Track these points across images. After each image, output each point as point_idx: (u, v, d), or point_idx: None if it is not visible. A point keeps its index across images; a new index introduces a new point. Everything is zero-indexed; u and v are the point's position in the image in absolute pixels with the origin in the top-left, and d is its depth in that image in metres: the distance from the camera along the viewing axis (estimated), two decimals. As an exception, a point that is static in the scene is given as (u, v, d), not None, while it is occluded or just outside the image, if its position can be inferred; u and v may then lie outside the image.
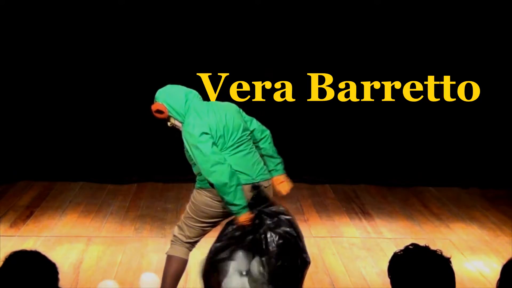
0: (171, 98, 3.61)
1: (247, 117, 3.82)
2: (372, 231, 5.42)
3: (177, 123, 3.62)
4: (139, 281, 4.23)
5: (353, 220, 5.67)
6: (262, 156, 3.76)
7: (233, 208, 3.43)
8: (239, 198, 3.41)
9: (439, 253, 2.26)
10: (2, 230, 5.14)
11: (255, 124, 3.81)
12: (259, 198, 3.44)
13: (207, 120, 3.53)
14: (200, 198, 3.59)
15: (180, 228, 3.70)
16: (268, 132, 3.85)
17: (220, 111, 3.63)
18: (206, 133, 3.47)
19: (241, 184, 3.45)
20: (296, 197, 6.22)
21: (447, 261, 2.25)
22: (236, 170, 3.50)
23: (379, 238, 5.26)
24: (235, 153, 3.57)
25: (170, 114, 3.60)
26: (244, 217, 3.44)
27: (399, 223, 5.63)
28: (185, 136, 3.52)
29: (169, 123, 3.68)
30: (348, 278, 4.50)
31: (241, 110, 3.81)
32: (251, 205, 3.44)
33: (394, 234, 5.36)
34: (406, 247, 2.31)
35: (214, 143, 3.47)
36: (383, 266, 4.72)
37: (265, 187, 3.62)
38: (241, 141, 3.61)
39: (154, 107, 3.64)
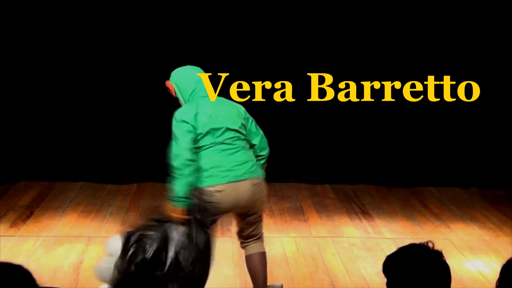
0: (181, 82, 3.76)
1: (254, 129, 3.83)
2: (372, 231, 5.42)
3: (181, 104, 3.78)
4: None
5: (353, 220, 5.67)
6: None
7: (172, 193, 3.48)
8: (179, 187, 3.45)
9: (430, 246, 2.27)
10: (2, 230, 5.14)
11: (258, 140, 3.83)
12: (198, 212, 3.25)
13: (198, 114, 3.58)
14: None
15: None
16: (266, 153, 3.87)
17: (218, 110, 3.66)
18: (186, 122, 3.55)
19: (189, 180, 3.46)
20: (296, 197, 6.23)
21: (438, 254, 2.25)
22: (219, 166, 3.53)
23: (379, 238, 5.26)
24: (222, 150, 3.59)
25: (176, 95, 3.77)
26: (172, 209, 3.40)
27: (399, 223, 5.63)
28: (173, 119, 3.64)
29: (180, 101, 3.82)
30: (348, 278, 4.51)
31: (248, 119, 3.81)
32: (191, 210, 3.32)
33: (394, 234, 5.36)
34: (398, 248, 2.33)
35: (189, 132, 3.53)
36: (383, 266, 4.74)
37: (254, 184, 3.61)
38: (230, 141, 3.63)
39: (166, 83, 3.83)
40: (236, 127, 3.66)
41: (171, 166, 3.50)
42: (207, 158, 3.54)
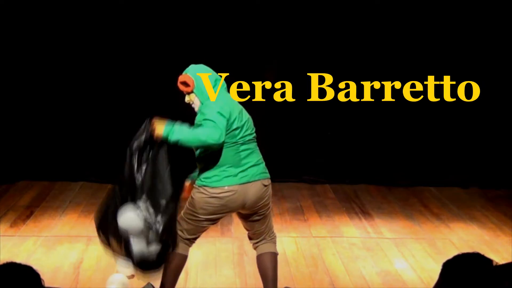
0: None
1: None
2: (372, 231, 5.42)
3: (196, 101, 3.66)
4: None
5: (353, 220, 5.67)
6: None
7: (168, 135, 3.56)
8: (184, 133, 3.48)
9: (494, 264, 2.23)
10: (2, 230, 5.14)
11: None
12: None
13: (230, 110, 3.58)
14: (199, 195, 3.62)
15: (179, 224, 3.73)
16: None
17: (242, 111, 3.71)
18: (223, 115, 3.51)
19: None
20: (296, 197, 6.23)
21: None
22: (237, 166, 3.58)
23: (379, 238, 5.26)
24: (241, 150, 3.63)
25: (195, 90, 3.65)
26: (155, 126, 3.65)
27: (399, 223, 5.63)
28: (203, 110, 3.55)
29: (186, 99, 3.70)
30: (348, 278, 4.50)
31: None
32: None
33: (394, 234, 5.35)
34: (474, 253, 2.27)
35: (226, 123, 3.51)
36: (383, 266, 4.73)
37: (265, 185, 3.68)
38: (249, 141, 3.68)
39: (182, 78, 3.66)
40: (253, 131, 3.73)
41: (208, 141, 3.42)
42: (226, 156, 3.57)
